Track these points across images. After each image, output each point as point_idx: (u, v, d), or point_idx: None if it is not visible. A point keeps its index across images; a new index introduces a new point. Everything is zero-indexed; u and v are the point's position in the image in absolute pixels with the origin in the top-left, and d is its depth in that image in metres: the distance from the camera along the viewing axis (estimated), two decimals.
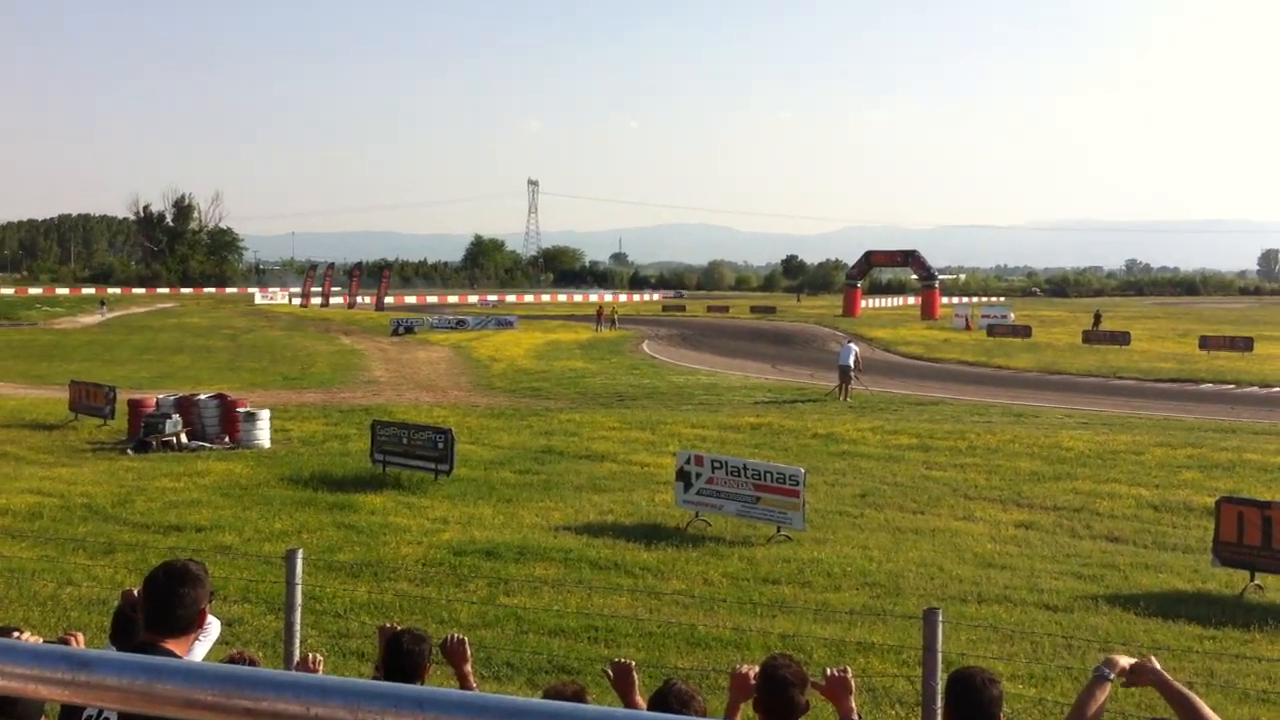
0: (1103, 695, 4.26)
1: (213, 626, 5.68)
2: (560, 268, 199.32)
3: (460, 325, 67.19)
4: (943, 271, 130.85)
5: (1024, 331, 61.65)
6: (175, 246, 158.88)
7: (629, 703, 5.21)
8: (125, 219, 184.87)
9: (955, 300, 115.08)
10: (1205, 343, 52.48)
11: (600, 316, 68.90)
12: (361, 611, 11.73)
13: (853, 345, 35.72)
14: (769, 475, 15.80)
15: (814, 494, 17.24)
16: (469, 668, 5.44)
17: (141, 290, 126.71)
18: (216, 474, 20.52)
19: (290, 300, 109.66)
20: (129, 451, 23.40)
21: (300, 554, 8.16)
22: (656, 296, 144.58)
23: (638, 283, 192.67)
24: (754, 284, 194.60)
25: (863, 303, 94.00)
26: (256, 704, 1.69)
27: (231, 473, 20.61)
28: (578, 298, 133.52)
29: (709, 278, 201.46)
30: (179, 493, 18.71)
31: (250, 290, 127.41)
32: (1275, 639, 11.50)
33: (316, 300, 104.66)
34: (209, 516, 16.83)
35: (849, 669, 4.89)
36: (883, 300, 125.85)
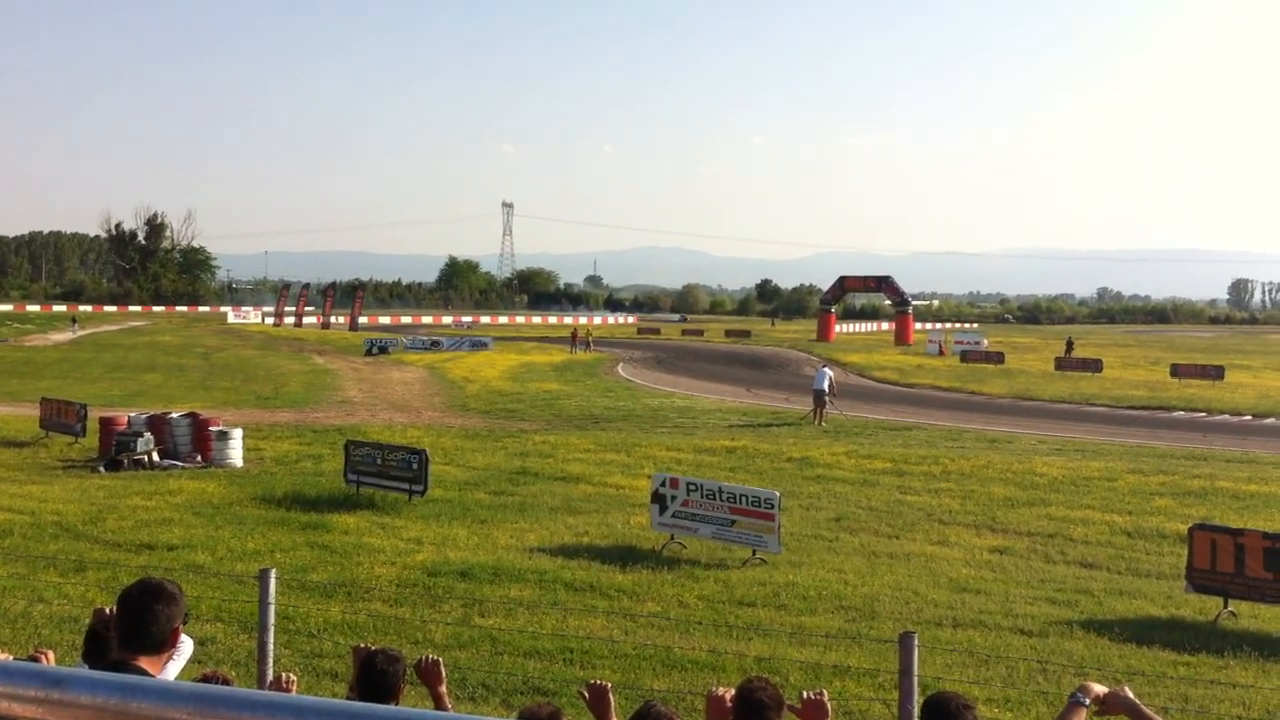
0: None
1: (186, 645, 5.62)
2: (535, 290, 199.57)
3: (435, 346, 67.07)
4: (916, 297, 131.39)
5: (997, 358, 61.96)
6: (147, 265, 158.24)
7: None
8: (97, 236, 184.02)
9: (929, 326, 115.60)
10: (1176, 371, 52.85)
11: (575, 339, 68.93)
12: (335, 632, 11.64)
13: (827, 370, 35.81)
14: (744, 498, 15.78)
15: (789, 517, 17.23)
16: (444, 689, 5.40)
17: (113, 308, 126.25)
18: (189, 493, 20.36)
19: (263, 319, 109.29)
20: (100, 469, 23.21)
21: (274, 574, 8.09)
22: (631, 319, 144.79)
23: (613, 305, 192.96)
24: (728, 308, 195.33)
25: (837, 328, 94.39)
26: None
27: (204, 492, 20.46)
28: (552, 320, 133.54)
29: (683, 301, 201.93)
30: (151, 511, 18.55)
31: (223, 309, 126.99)
32: (1249, 665, 11.53)
33: (290, 320, 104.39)
34: (181, 535, 16.68)
35: (825, 692, 4.87)
36: (857, 325, 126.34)
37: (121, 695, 1.82)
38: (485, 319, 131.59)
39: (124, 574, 12.93)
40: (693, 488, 16.26)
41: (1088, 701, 4.24)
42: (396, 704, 5.01)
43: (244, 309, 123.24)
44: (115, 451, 23.69)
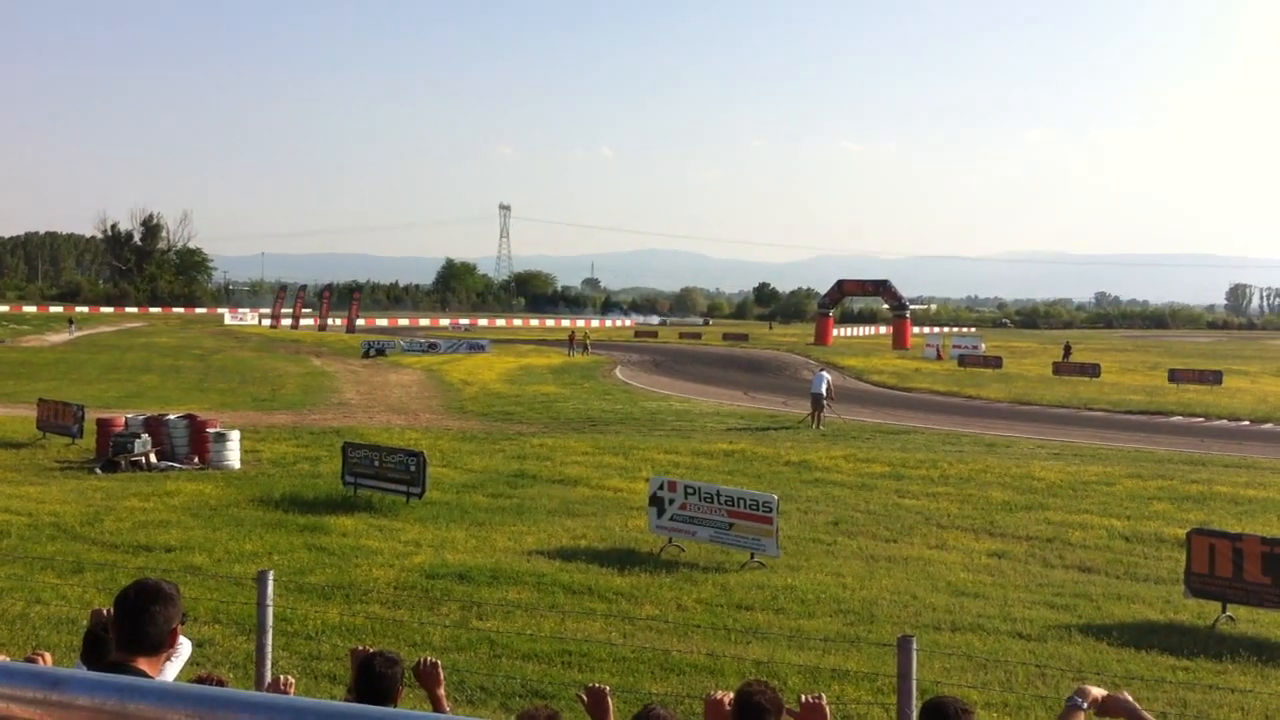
0: None
1: (184, 647, 5.61)
2: (532, 292, 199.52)
3: (432, 348, 67.01)
4: (914, 301, 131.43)
5: (995, 362, 61.96)
6: (143, 266, 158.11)
7: None
8: (93, 237, 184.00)
9: (926, 330, 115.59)
10: (1174, 376, 52.86)
11: (573, 341, 68.91)
12: (333, 634, 11.63)
13: (825, 373, 35.79)
14: (742, 502, 15.77)
15: (787, 521, 17.22)
16: (442, 691, 5.38)
17: (109, 309, 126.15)
18: (186, 494, 20.34)
19: (260, 321, 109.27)
20: (97, 471, 23.18)
21: (271, 575, 8.08)
22: (629, 322, 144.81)
23: (610, 308, 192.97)
24: (726, 311, 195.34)
25: (835, 331, 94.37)
26: None
27: (201, 493, 20.44)
28: (550, 322, 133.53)
29: (681, 304, 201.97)
30: (148, 513, 18.53)
31: (220, 310, 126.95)
32: (1247, 670, 11.53)
33: (287, 321, 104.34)
34: (178, 537, 16.67)
35: (824, 696, 4.86)
36: (855, 329, 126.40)
37: (120, 696, 1.81)
38: (483, 321, 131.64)
39: (121, 575, 12.91)
40: (691, 491, 16.25)
41: (1086, 705, 4.22)
42: (395, 706, 5.00)
43: (241, 311, 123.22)
44: (112, 453, 23.66)
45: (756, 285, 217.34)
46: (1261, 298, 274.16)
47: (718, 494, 16.08)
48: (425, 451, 20.49)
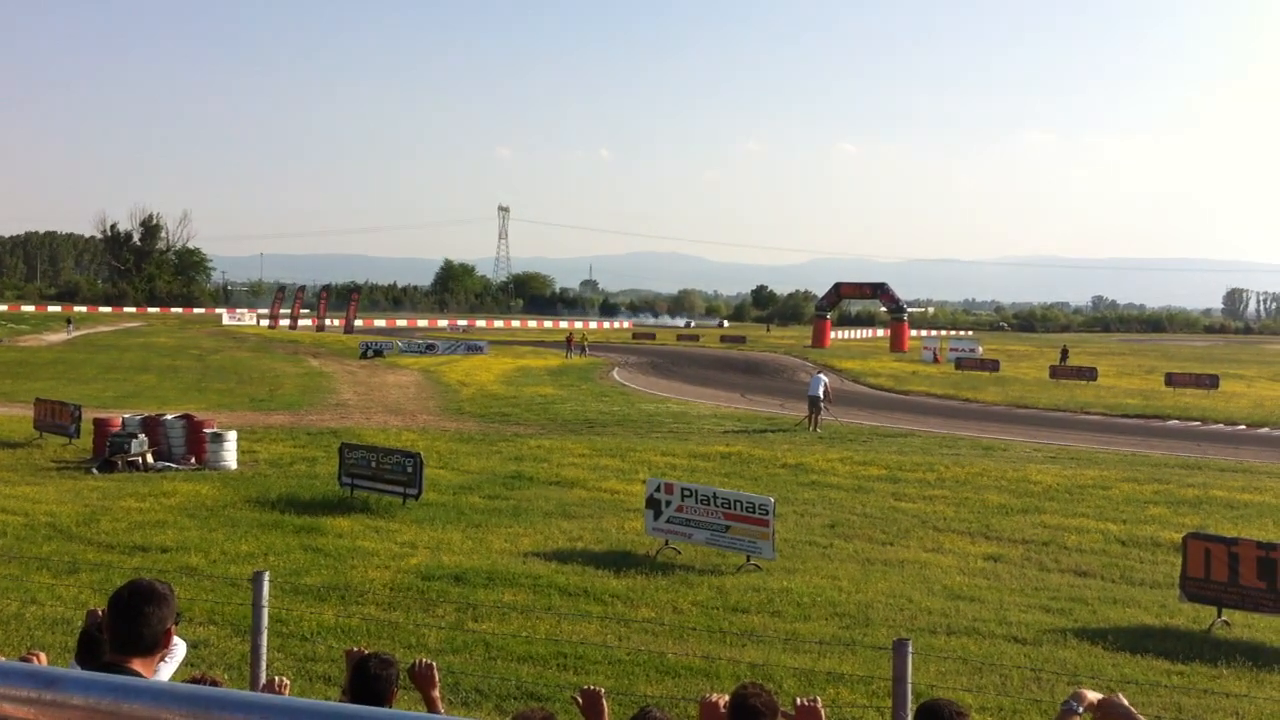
0: None
1: (178, 648, 5.61)
2: (530, 294, 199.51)
3: (430, 349, 66.96)
4: (911, 305, 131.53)
5: (992, 365, 61.97)
6: (142, 266, 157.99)
7: None
8: (92, 237, 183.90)
9: (924, 333, 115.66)
10: (1171, 380, 52.87)
11: (570, 343, 68.88)
12: (328, 635, 11.62)
13: (822, 376, 35.80)
14: (739, 504, 15.78)
15: (783, 524, 17.22)
16: (437, 693, 5.39)
17: (108, 309, 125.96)
18: (182, 495, 20.33)
19: (258, 321, 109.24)
20: (94, 471, 23.16)
21: (267, 576, 8.08)
22: (627, 324, 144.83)
23: (608, 310, 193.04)
24: (724, 313, 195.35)
25: (832, 334, 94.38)
26: None
27: (198, 494, 20.43)
28: (548, 324, 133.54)
29: (679, 306, 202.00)
30: (144, 513, 18.52)
31: (218, 311, 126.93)
32: (1243, 674, 11.54)
33: (285, 322, 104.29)
34: (174, 537, 16.66)
35: (819, 699, 4.86)
36: (852, 332, 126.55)
37: (114, 696, 1.81)
38: (481, 323, 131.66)
39: (117, 576, 12.90)
40: (687, 493, 16.25)
41: (1081, 709, 4.23)
42: (390, 708, 5.00)
43: (239, 311, 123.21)
44: (109, 453, 23.64)
45: (754, 288, 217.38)
46: (1258, 302, 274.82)
47: (714, 496, 16.09)
48: (422, 453, 20.48)
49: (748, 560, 15.54)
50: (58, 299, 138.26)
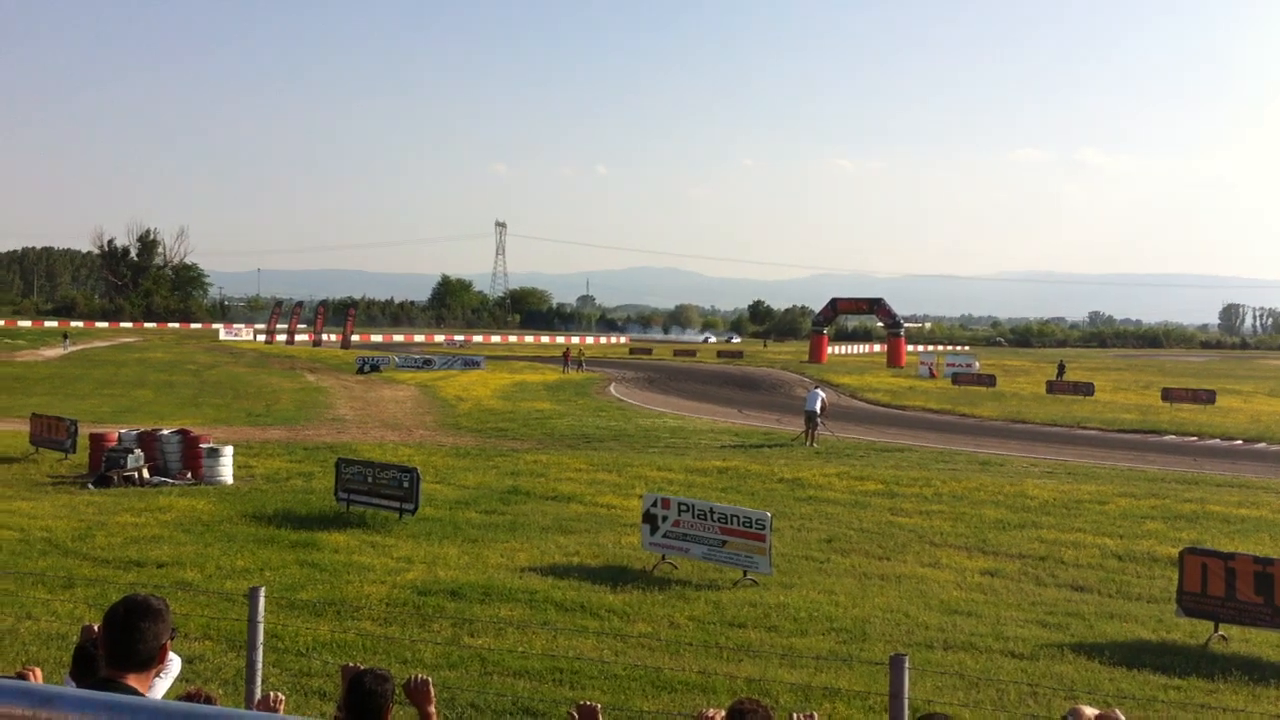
0: None
1: (173, 664, 5.59)
2: (527, 309, 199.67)
3: (427, 365, 66.95)
4: (908, 320, 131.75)
5: (989, 380, 62.00)
6: (139, 281, 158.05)
7: None
8: (89, 252, 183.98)
9: (921, 348, 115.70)
10: (1168, 395, 52.93)
11: (567, 358, 68.90)
12: (324, 650, 11.60)
13: (819, 391, 35.80)
14: (735, 519, 15.76)
15: (780, 538, 17.21)
16: (433, 709, 5.38)
17: (104, 324, 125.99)
18: (178, 510, 20.29)
19: (255, 337, 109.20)
20: (90, 486, 23.13)
21: (263, 592, 8.06)
22: (624, 339, 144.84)
23: (605, 325, 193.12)
24: (721, 328, 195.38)
25: (829, 349, 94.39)
26: None
27: (194, 509, 20.39)
28: (545, 339, 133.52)
29: (676, 321, 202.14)
30: (140, 528, 18.48)
31: (215, 326, 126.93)
32: (1240, 689, 11.52)
33: (282, 337, 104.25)
34: (170, 553, 16.62)
35: (815, 715, 4.87)
36: (849, 347, 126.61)
37: (109, 714, 1.81)
38: (478, 338, 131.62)
39: (113, 591, 12.88)
40: (684, 508, 16.23)
41: None
42: None
43: (236, 326, 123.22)
44: (105, 468, 23.61)
45: (751, 303, 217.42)
46: (1254, 317, 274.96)
47: (711, 511, 16.07)
48: (419, 468, 20.46)
49: (744, 575, 15.52)
50: (54, 314, 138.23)
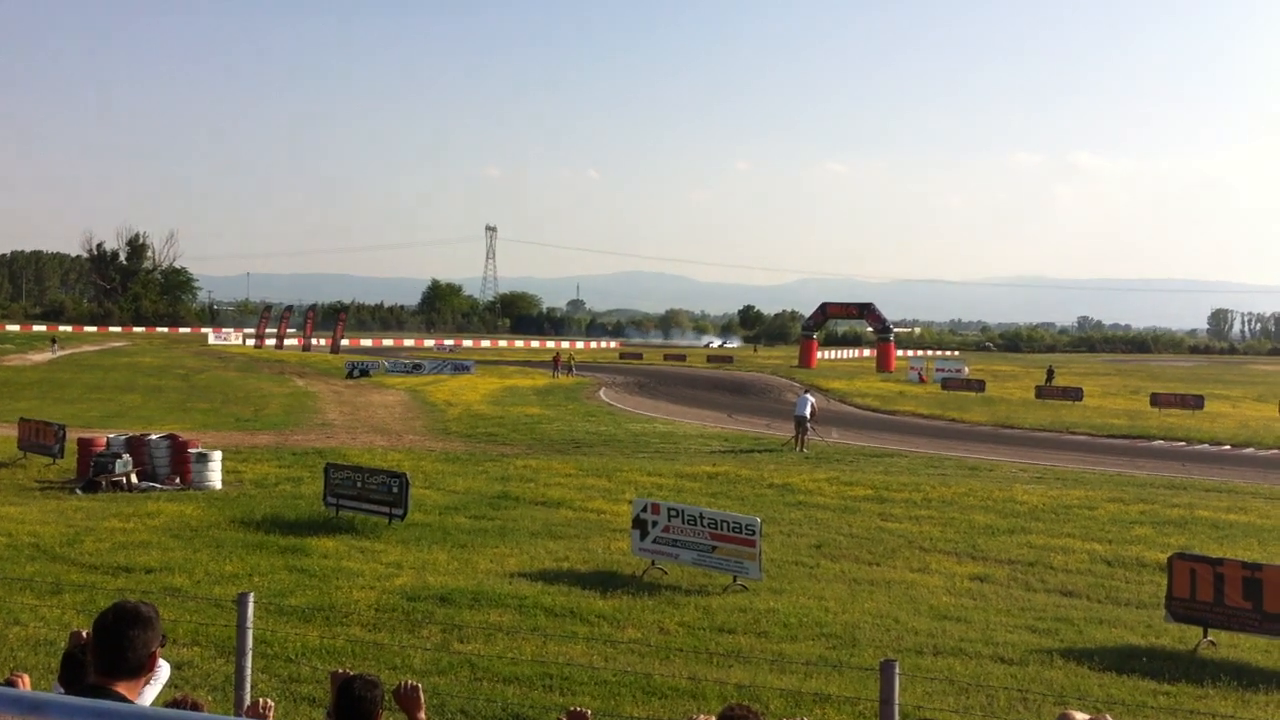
0: None
1: (162, 670, 5.56)
2: (518, 313, 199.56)
3: (416, 369, 66.88)
4: (898, 325, 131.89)
5: (978, 386, 62.10)
6: (128, 285, 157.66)
7: None
8: (78, 257, 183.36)
9: (910, 354, 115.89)
10: (1156, 400, 53.06)
11: (557, 363, 68.85)
12: (313, 656, 11.56)
13: (809, 396, 35.84)
14: (725, 524, 15.76)
15: (770, 544, 17.21)
16: (422, 715, 5.37)
17: (93, 329, 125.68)
18: (167, 515, 20.22)
19: (244, 341, 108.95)
20: (78, 491, 23.05)
21: (252, 597, 8.04)
22: (613, 344, 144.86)
23: (595, 330, 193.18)
24: (711, 333, 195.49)
25: (819, 354, 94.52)
26: None
27: (182, 514, 20.33)
28: (535, 343, 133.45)
29: (666, 326, 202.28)
30: (128, 534, 18.42)
31: (204, 330, 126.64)
32: (1228, 695, 11.55)
33: (271, 342, 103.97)
34: (159, 558, 16.57)
35: None
36: (838, 352, 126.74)
37: None
38: (467, 342, 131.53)
39: (101, 597, 12.85)
40: (674, 513, 16.23)
41: None
42: None
43: (225, 331, 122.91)
44: (93, 473, 23.53)
45: (741, 308, 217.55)
46: (1243, 323, 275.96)
47: (701, 516, 16.07)
48: (408, 473, 20.43)
49: (734, 581, 15.53)
50: (43, 318, 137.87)
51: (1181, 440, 39.10)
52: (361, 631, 12.93)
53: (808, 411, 33.49)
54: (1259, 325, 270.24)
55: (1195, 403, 51.34)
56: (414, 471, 22.90)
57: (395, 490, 19.40)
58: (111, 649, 3.69)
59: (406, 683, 5.41)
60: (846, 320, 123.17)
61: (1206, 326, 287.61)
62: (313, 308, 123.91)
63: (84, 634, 4.99)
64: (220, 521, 19.78)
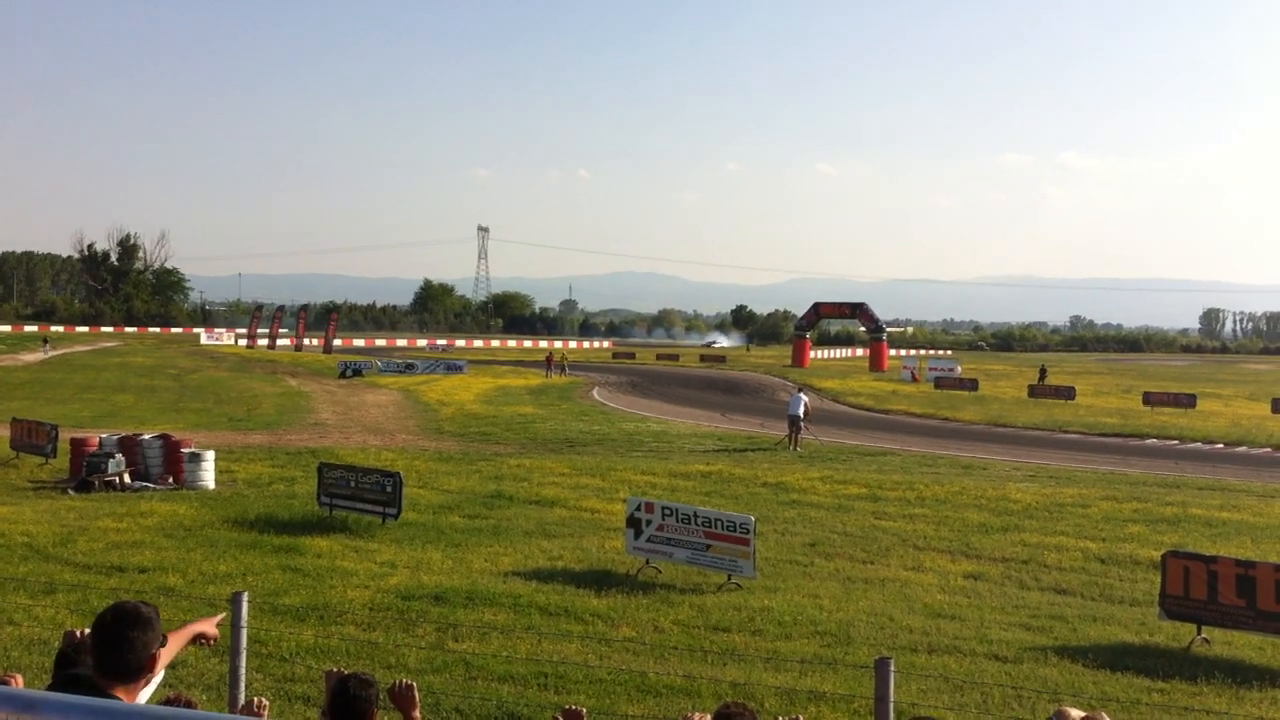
0: None
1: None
2: (510, 313, 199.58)
3: (409, 369, 66.82)
4: (890, 324, 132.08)
5: (971, 385, 62.21)
6: (120, 285, 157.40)
7: None
8: (69, 257, 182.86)
9: (903, 353, 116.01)
10: (1149, 399, 53.16)
11: (550, 362, 68.82)
12: (308, 655, 11.54)
13: (802, 395, 35.85)
14: (719, 523, 15.76)
15: (764, 542, 17.22)
16: (417, 714, 5.35)
17: (85, 329, 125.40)
18: (160, 515, 20.18)
19: (236, 341, 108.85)
20: (71, 491, 23.01)
21: (246, 597, 8.03)
22: (606, 343, 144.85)
23: (588, 329, 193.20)
24: (703, 331, 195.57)
25: (812, 353, 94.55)
26: None
27: (175, 514, 20.29)
28: (528, 343, 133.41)
29: (659, 325, 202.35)
30: (122, 533, 18.37)
31: (196, 330, 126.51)
32: (1223, 692, 11.56)
33: (264, 341, 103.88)
34: (152, 558, 16.53)
35: (801, 718, 4.86)
36: (831, 351, 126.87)
37: (92, 719, 1.79)
38: (460, 342, 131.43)
39: (94, 596, 12.84)
40: (668, 512, 16.22)
41: None
42: None
43: (217, 331, 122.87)
44: (86, 473, 23.48)
45: (734, 307, 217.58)
46: (1234, 322, 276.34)
47: (695, 515, 16.06)
48: (401, 472, 20.40)
49: (729, 579, 15.52)
50: (34, 319, 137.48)
51: (1174, 439, 39.17)
52: (356, 630, 12.91)
53: (801, 411, 33.51)
54: (1251, 324, 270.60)
55: (1187, 401, 51.44)
56: (408, 471, 22.88)
57: (389, 489, 19.38)
58: (110, 651, 3.63)
59: (401, 681, 5.39)
60: (839, 320, 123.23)
61: (1199, 326, 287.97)
62: (305, 308, 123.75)
63: (78, 633, 4.97)
64: (214, 521, 19.74)
